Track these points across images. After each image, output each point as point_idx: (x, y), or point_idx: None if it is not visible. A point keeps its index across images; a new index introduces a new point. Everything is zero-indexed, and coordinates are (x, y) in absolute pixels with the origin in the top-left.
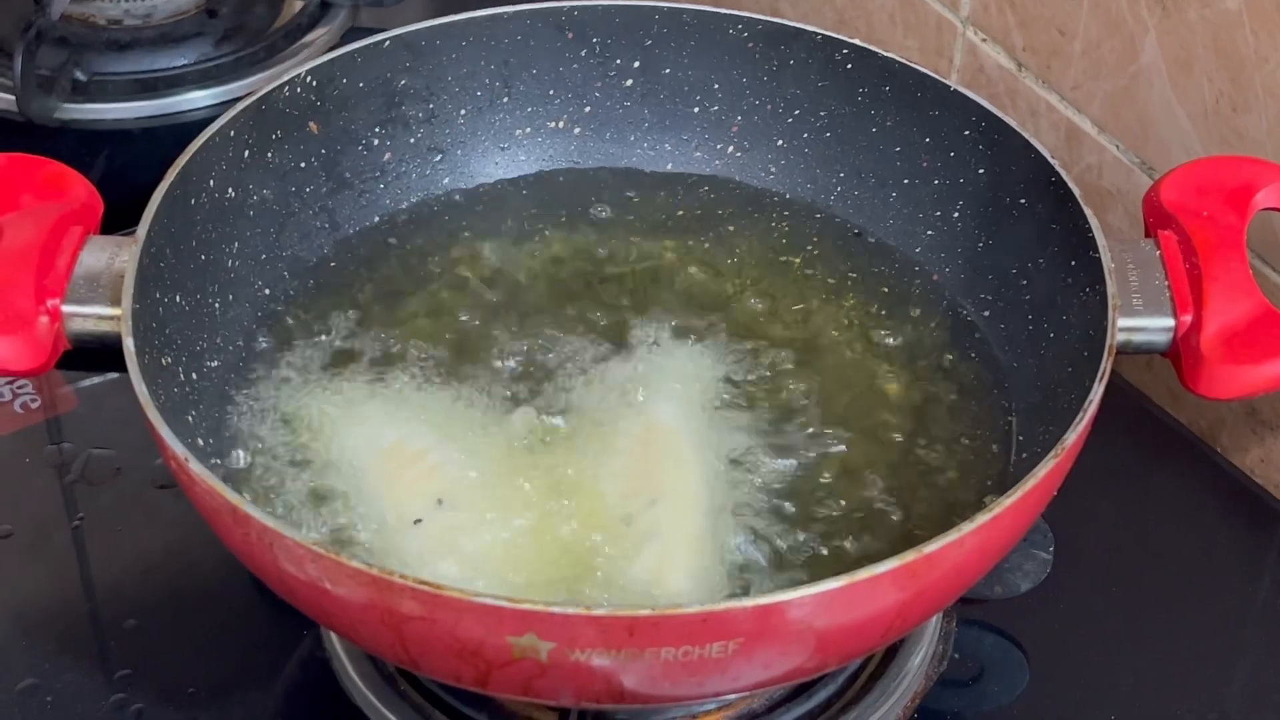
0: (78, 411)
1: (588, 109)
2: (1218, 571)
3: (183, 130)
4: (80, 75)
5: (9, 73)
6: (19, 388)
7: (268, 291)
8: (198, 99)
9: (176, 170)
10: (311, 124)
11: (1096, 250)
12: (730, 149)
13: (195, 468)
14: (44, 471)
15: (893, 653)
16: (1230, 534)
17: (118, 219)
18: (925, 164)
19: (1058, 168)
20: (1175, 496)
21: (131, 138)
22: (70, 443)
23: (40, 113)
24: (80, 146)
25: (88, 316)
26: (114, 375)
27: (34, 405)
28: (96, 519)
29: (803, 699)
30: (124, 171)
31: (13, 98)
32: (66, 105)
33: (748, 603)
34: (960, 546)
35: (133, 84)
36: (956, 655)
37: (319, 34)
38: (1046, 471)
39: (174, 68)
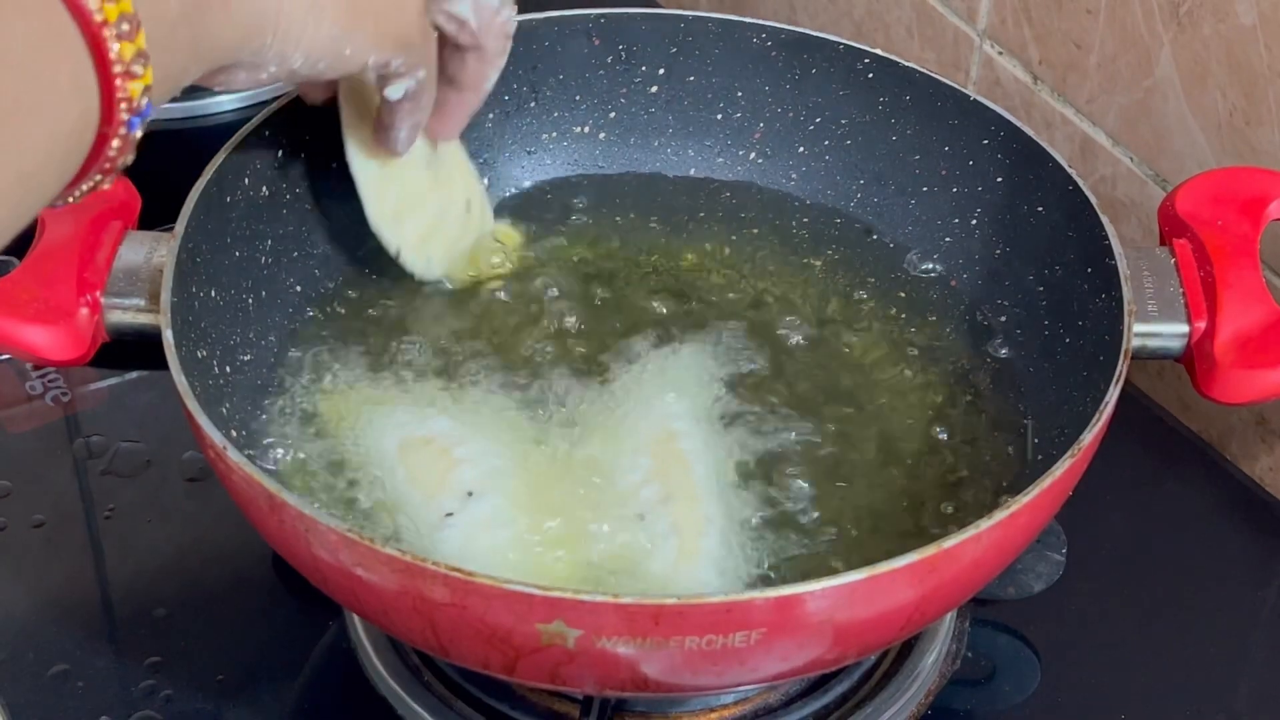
0: (107, 406)
1: (613, 115)
2: (1226, 576)
3: (210, 131)
4: None
5: None
6: (50, 381)
7: (299, 289)
8: (225, 101)
9: (213, 168)
10: None
11: (1113, 257)
12: (753, 155)
13: (233, 456)
14: (75, 464)
15: (907, 650)
16: (1239, 539)
17: (146, 217)
18: (944, 172)
19: (1075, 176)
20: (1185, 503)
21: (161, 137)
22: (100, 436)
23: None
24: None
25: (127, 309)
26: (141, 373)
27: (65, 399)
28: (126, 510)
29: (818, 694)
30: (151, 170)
31: None
32: None
33: (770, 593)
34: (977, 543)
35: None
36: (970, 654)
37: None
38: (1063, 471)
39: None
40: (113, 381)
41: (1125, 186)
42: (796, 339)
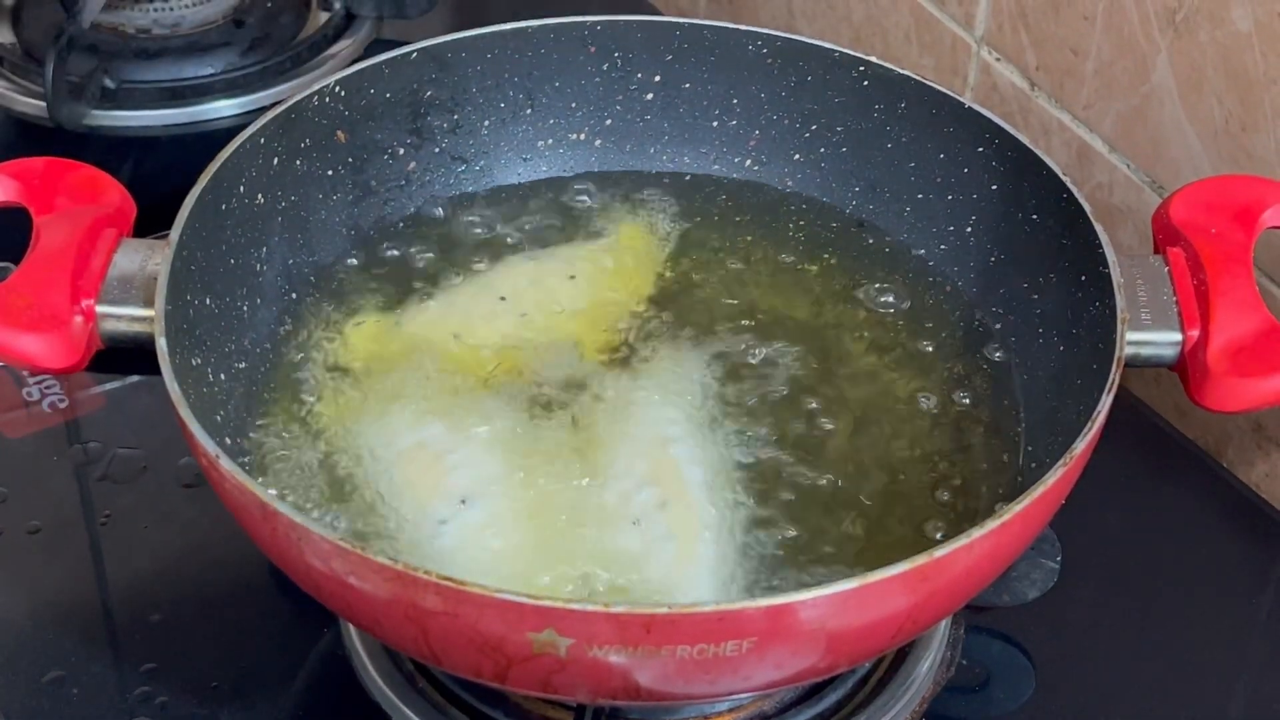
0: (104, 412)
1: (609, 121)
2: (1222, 583)
3: (208, 138)
4: (109, 82)
5: (40, 79)
6: (47, 388)
7: (294, 296)
8: (223, 108)
9: (208, 176)
10: (339, 133)
11: (1106, 265)
12: (748, 162)
13: (226, 464)
14: (71, 469)
15: (901, 658)
16: (1235, 547)
17: (143, 223)
18: (939, 179)
19: (1069, 184)
20: (1181, 510)
21: (158, 144)
22: (97, 442)
23: (70, 119)
24: (108, 152)
25: (121, 317)
26: (138, 378)
27: (62, 405)
28: (122, 516)
29: (812, 702)
30: (150, 177)
31: (43, 103)
32: (95, 112)
33: (762, 602)
34: (970, 551)
35: (160, 92)
36: (964, 661)
37: (344, 45)
38: (1055, 479)
39: (201, 77)
40: (110, 387)
41: (1122, 193)
42: (792, 344)
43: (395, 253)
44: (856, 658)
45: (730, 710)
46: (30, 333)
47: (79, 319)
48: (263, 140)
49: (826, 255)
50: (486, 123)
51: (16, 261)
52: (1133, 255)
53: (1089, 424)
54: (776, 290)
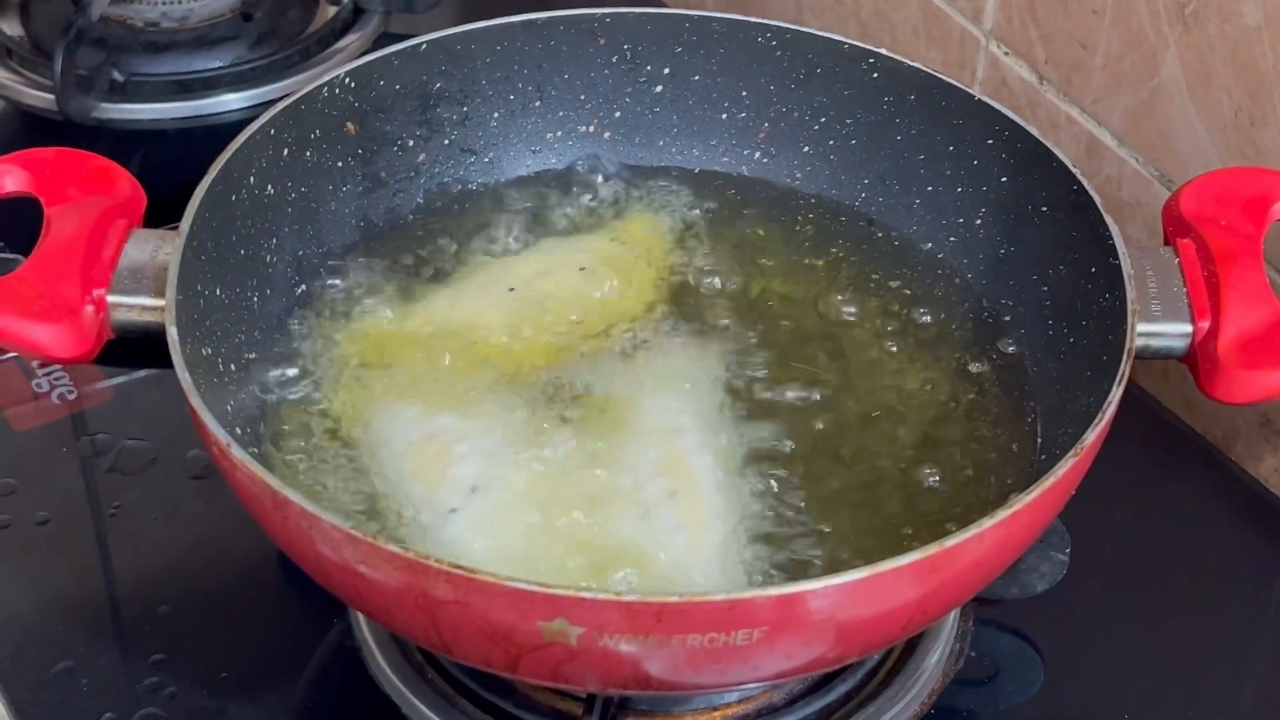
0: (113, 403)
1: (618, 114)
2: (1231, 577)
3: (217, 131)
4: (118, 75)
5: (49, 72)
6: (56, 379)
7: (304, 287)
8: (232, 101)
9: (219, 166)
10: (349, 124)
11: (1116, 257)
12: (757, 154)
13: (236, 453)
14: (80, 461)
15: (910, 650)
16: (1243, 540)
17: (152, 217)
18: (948, 172)
19: (1079, 176)
20: (1190, 503)
21: (166, 137)
22: (106, 433)
23: (78, 112)
24: (116, 145)
25: (132, 307)
26: (147, 371)
27: (70, 397)
28: (131, 508)
29: (821, 693)
30: (158, 170)
31: (52, 96)
32: (104, 105)
33: (772, 591)
34: (980, 542)
35: (169, 85)
36: (973, 654)
37: (352, 39)
38: (1065, 470)
39: (209, 70)
40: (119, 379)
41: (1130, 187)
42: (800, 337)
43: (404, 244)
44: (866, 648)
45: (740, 701)
46: (41, 322)
47: (90, 309)
48: (273, 131)
49: (835, 248)
50: (495, 115)
51: (27, 252)
52: (1143, 247)
53: (1099, 415)
54: (785, 283)
